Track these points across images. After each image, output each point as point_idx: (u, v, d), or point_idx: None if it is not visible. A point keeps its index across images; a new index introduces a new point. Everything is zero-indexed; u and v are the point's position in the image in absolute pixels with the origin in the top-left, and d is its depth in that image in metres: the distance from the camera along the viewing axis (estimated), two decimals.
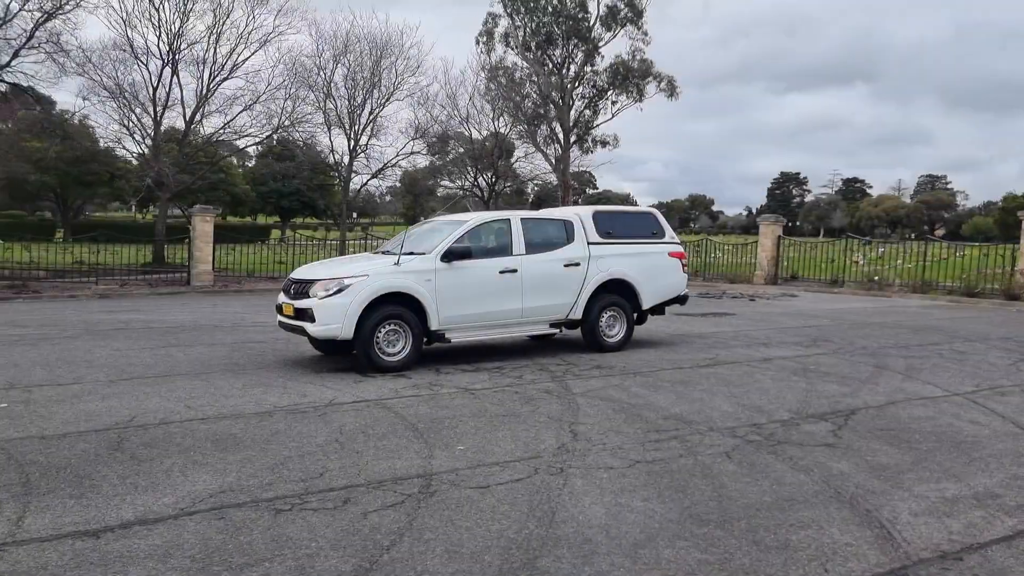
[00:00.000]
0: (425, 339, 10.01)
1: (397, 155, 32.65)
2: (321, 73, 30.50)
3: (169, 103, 28.25)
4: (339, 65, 30.94)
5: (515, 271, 10.39)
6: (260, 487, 5.23)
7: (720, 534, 4.55)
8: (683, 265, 12.04)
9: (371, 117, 31.55)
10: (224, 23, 28.39)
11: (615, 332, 11.34)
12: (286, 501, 4.97)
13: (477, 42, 37.79)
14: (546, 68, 37.48)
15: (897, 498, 5.20)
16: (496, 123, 36.68)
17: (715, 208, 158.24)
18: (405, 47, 32.54)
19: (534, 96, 37.73)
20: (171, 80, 28.02)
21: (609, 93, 37.49)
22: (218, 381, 8.85)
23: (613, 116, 37.76)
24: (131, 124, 27.98)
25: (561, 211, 12.02)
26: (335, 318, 9.30)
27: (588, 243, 11.13)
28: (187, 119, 28.86)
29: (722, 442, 6.52)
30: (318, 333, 9.41)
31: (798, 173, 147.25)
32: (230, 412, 7.37)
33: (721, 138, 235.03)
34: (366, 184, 35.35)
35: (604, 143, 38.00)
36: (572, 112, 37.65)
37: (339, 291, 9.38)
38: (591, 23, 36.72)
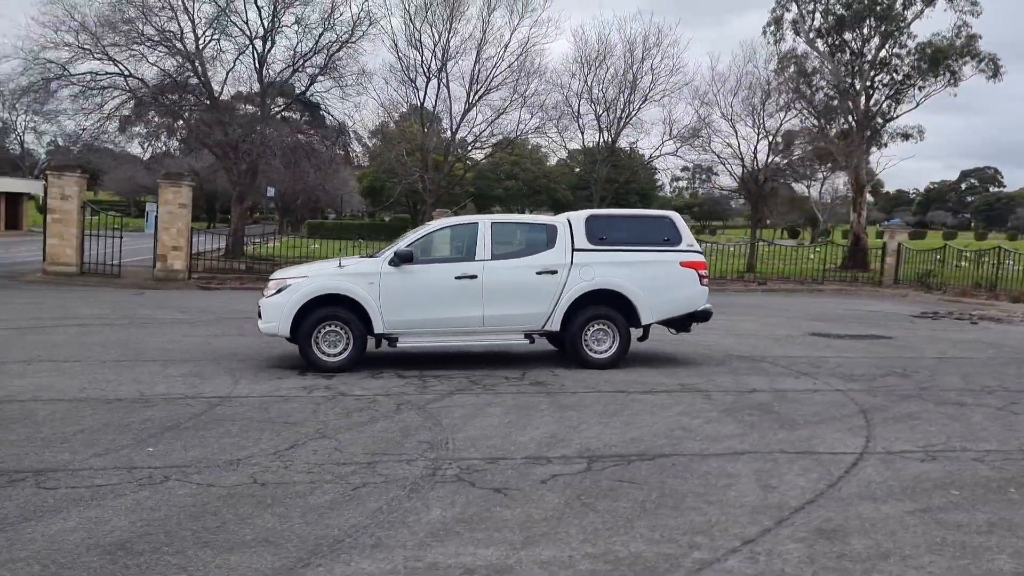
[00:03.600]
0: (379, 342, 10.15)
1: (651, 157, 32.02)
2: (580, 76, 31.10)
3: (435, 115, 30.82)
4: (595, 69, 31.30)
5: (474, 277, 10.02)
6: None
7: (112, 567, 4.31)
8: (701, 277, 10.59)
9: (627, 119, 31.41)
10: (485, 40, 30.25)
11: (604, 348, 10.34)
12: None
13: (764, 32, 35.52)
14: (838, 56, 34.01)
15: (384, 556, 4.41)
16: (766, 118, 34.10)
17: None
18: (664, 45, 31.79)
19: (825, 87, 34.49)
20: (437, 94, 30.56)
21: (915, 78, 32.90)
22: (168, 369, 9.71)
23: (918, 104, 33.11)
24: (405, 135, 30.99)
25: (551, 216, 11.28)
26: (274, 316, 9.83)
27: (573, 249, 10.32)
28: (452, 129, 31.23)
29: (402, 473, 5.90)
30: (263, 329, 10.01)
31: None
32: (95, 397, 8.15)
33: None
34: (615, 187, 35.07)
35: (906, 136, 33.48)
36: (870, 102, 33.72)
37: (280, 291, 9.90)
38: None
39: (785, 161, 41.74)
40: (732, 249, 32.01)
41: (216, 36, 29.53)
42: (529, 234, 10.56)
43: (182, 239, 25.04)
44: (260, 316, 10.01)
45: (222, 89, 30.38)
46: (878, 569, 4.40)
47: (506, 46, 30.18)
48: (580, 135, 32.54)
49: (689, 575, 4.28)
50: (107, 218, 25.96)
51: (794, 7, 34.75)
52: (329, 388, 8.87)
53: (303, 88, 30.26)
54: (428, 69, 29.84)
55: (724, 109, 32.58)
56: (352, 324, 9.81)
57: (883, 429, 7.51)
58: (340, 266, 10.04)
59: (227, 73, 30.12)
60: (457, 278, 10.02)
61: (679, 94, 31.97)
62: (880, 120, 33.74)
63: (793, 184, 60.41)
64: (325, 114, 31.29)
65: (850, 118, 34.20)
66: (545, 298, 10.20)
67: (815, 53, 34.46)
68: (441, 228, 10.50)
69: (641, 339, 10.88)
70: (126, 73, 28.06)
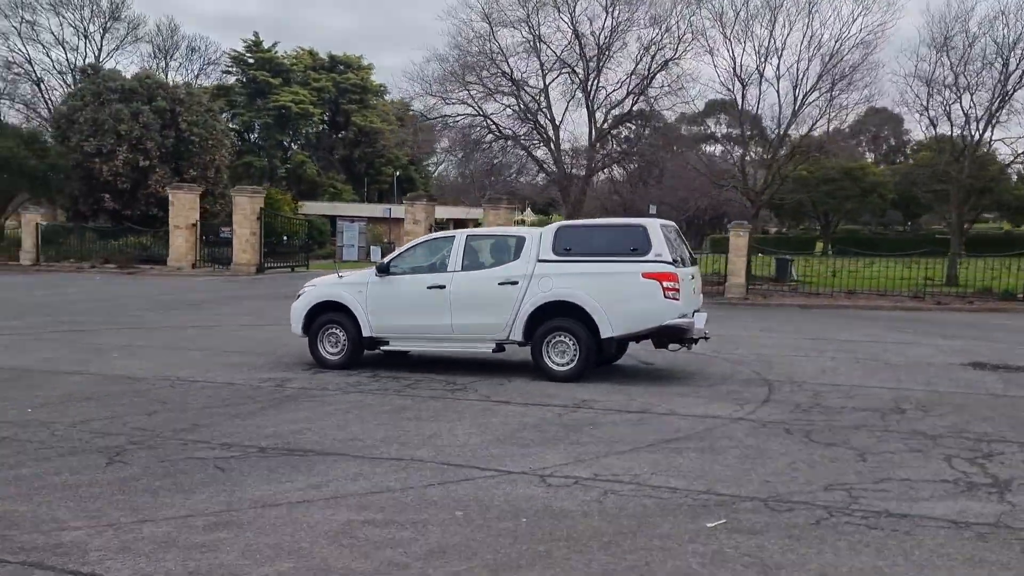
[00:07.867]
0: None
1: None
2: (931, 59, 27.58)
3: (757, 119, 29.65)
4: (962, 48, 27.39)
5: (443, 287, 10.53)
6: None
7: None
8: (666, 289, 9.58)
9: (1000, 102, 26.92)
10: (820, 37, 28.37)
11: (565, 360, 10.02)
12: None
13: None
14: None
15: None
16: None
17: None
18: None
19: None
20: (759, 97, 29.38)
21: None
22: (236, 359, 11.82)
23: None
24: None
25: (525, 228, 11.00)
26: (294, 319, 11.48)
27: (537, 260, 10.22)
28: (780, 133, 29.65)
29: (105, 443, 7.11)
30: (292, 330, 11.71)
31: None
32: (129, 376, 10.44)
33: None
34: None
35: None
36: None
37: (298, 297, 11.55)
38: None
39: None
40: None
41: (565, 71, 32.23)
42: (500, 246, 10.73)
43: None
44: (290, 319, 11.75)
45: (562, 118, 32.97)
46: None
47: (837, 39, 27.87)
48: (932, 128, 28.39)
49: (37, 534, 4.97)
50: None
51: None
52: (281, 381, 10.17)
53: (629, 108, 31.40)
54: (743, 73, 28.86)
55: None
56: (346, 327, 11.03)
57: (629, 458, 6.58)
58: (339, 276, 11.36)
59: (567, 103, 32.64)
60: (429, 287, 10.64)
61: None
62: None
63: None
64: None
65: None
66: (506, 308, 10.28)
67: None
68: (425, 241, 11.23)
69: (617, 353, 10.30)
70: (480, 113, 32.15)
